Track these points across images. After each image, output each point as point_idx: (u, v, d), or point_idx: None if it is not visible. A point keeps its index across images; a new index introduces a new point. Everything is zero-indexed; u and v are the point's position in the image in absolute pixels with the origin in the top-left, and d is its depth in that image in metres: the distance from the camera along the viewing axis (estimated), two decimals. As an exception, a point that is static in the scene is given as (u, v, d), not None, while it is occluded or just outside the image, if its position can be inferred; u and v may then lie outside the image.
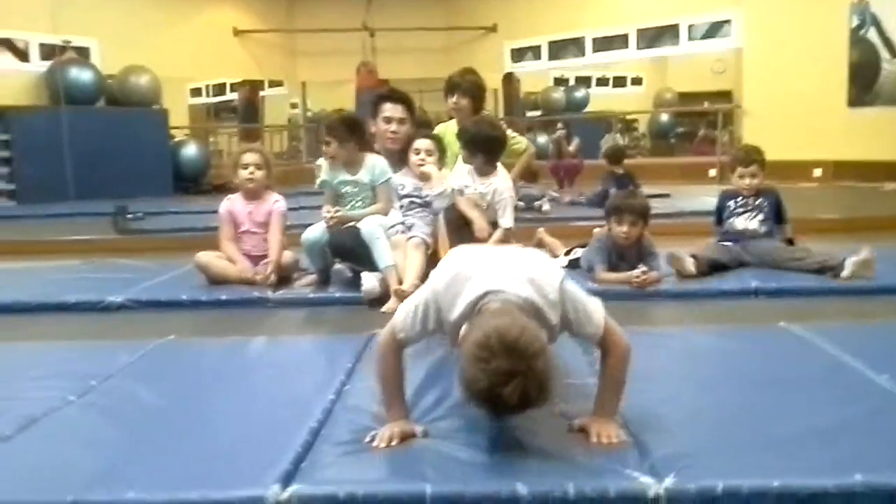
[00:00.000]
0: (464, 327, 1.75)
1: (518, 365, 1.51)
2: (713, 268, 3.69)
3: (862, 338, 2.53)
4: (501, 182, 3.59)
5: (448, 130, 4.21)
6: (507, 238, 3.59)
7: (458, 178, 3.63)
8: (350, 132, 3.63)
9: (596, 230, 3.84)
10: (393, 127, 3.79)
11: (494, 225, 3.59)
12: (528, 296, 1.72)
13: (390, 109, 3.80)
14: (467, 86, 4.28)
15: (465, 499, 1.52)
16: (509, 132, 4.35)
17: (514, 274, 1.76)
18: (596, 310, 1.82)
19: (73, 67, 9.09)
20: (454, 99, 4.27)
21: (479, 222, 3.54)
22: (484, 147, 3.57)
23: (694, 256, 3.65)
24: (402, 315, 1.84)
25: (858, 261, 3.49)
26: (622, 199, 3.66)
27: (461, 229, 3.54)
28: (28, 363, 2.53)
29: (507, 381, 1.50)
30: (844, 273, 3.49)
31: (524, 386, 1.51)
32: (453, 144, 3.91)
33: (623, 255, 3.60)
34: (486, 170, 3.58)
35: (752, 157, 3.97)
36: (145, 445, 1.82)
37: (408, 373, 2.01)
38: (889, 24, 8.73)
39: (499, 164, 3.68)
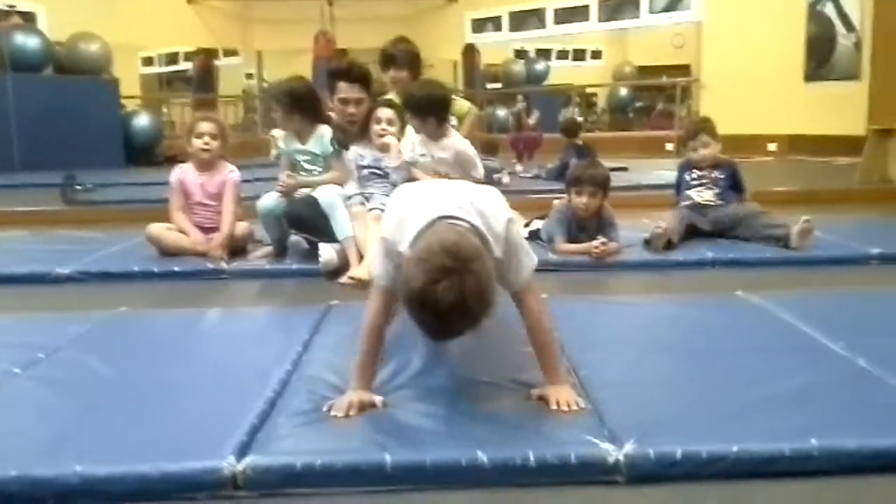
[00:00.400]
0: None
1: (455, 263, 1.53)
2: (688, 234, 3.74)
3: (818, 306, 2.56)
4: (458, 141, 3.50)
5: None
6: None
7: (409, 149, 3.49)
8: (294, 104, 3.55)
9: (556, 202, 3.83)
10: (350, 109, 3.62)
11: None
12: (477, 224, 1.73)
13: (346, 90, 3.61)
14: (403, 56, 4.13)
15: (426, 467, 1.51)
16: (464, 103, 4.29)
17: (463, 203, 1.76)
18: (529, 262, 1.84)
19: (19, 33, 8.77)
20: (391, 72, 4.12)
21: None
22: (434, 108, 3.49)
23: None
24: (375, 263, 1.87)
25: (798, 230, 3.55)
26: (582, 170, 3.64)
27: None
28: (-29, 335, 2.44)
29: (443, 278, 1.51)
30: (792, 244, 3.53)
31: (461, 285, 1.51)
32: None
33: (583, 227, 3.60)
34: (438, 133, 3.49)
35: (697, 127, 4.01)
36: (95, 418, 1.76)
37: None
38: (846, -1, 8.83)
39: (449, 125, 3.60)
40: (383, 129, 3.55)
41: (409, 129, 3.52)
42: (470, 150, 3.43)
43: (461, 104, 4.49)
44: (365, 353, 1.84)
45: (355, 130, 3.63)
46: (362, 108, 3.65)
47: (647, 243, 3.62)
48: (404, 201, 1.86)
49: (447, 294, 1.51)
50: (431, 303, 1.53)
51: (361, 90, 3.64)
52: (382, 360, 1.92)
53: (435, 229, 1.68)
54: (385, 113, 3.58)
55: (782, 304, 2.54)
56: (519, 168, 7.59)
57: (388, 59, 4.11)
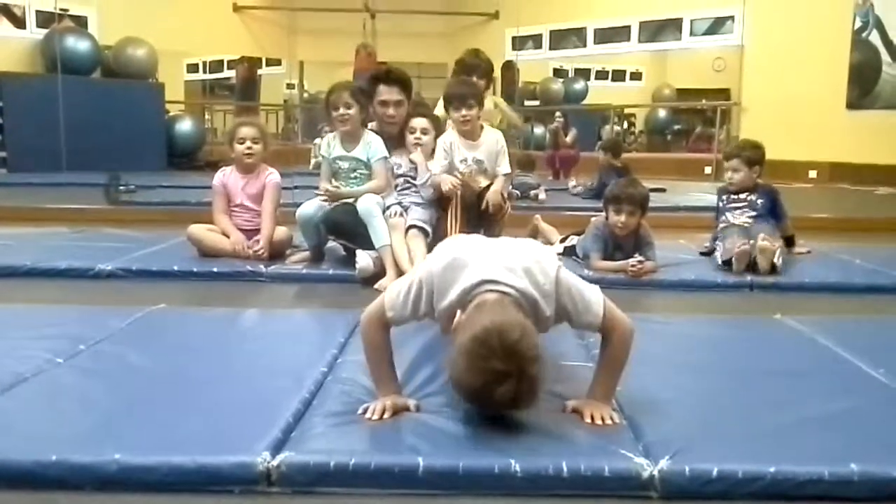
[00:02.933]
0: (458, 315, 1.73)
1: (514, 367, 1.51)
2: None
3: (858, 332, 2.52)
4: (490, 134, 3.48)
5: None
6: (509, 182, 3.56)
7: (438, 161, 3.47)
8: (368, 97, 3.61)
9: (593, 219, 3.82)
10: (390, 111, 3.68)
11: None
12: (524, 287, 1.71)
13: (386, 92, 3.68)
14: (485, 67, 4.27)
15: (458, 473, 1.50)
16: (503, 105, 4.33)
17: (510, 264, 1.74)
18: (594, 297, 1.80)
19: (70, 36, 9.01)
20: (473, 80, 4.20)
21: (446, 179, 3.45)
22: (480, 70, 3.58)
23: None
24: (394, 294, 1.82)
25: (759, 248, 3.48)
26: (622, 189, 3.61)
27: (466, 207, 3.49)
28: (16, 325, 2.49)
29: (502, 382, 1.51)
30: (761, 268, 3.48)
31: (517, 388, 1.52)
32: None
33: (620, 245, 3.59)
34: (467, 129, 3.44)
35: (735, 151, 4.00)
36: (134, 409, 1.79)
37: (402, 349, 2.01)
38: (892, 27, 8.72)
39: (483, 124, 3.59)
40: (417, 139, 3.58)
41: (441, 139, 3.52)
42: (501, 143, 3.43)
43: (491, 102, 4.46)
44: (377, 368, 1.83)
45: (395, 132, 3.67)
46: (402, 110, 3.69)
47: (726, 264, 3.56)
48: (453, 249, 1.83)
49: (503, 397, 1.53)
50: (487, 399, 1.57)
51: (401, 92, 3.70)
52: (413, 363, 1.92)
53: (486, 308, 1.65)
54: (419, 122, 3.61)
55: (822, 329, 2.51)
56: (572, 184, 7.54)
57: (472, 67, 4.23)
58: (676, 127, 15.05)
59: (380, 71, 3.88)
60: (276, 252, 3.73)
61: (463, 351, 1.55)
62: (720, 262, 3.63)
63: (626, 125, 14.17)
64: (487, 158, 3.40)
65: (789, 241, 4.05)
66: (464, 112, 3.29)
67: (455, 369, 1.58)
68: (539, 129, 12.28)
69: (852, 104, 9.03)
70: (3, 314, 2.72)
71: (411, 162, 3.63)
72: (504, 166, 3.47)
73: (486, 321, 1.57)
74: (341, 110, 3.52)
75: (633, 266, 3.42)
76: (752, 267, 3.50)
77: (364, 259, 3.40)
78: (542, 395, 1.63)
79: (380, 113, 3.71)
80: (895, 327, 2.70)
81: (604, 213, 3.63)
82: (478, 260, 1.76)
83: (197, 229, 3.76)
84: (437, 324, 2.15)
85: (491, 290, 1.70)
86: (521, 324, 1.58)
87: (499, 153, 3.40)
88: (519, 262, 1.75)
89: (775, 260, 3.50)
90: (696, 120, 14.22)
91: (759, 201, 3.87)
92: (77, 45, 8.98)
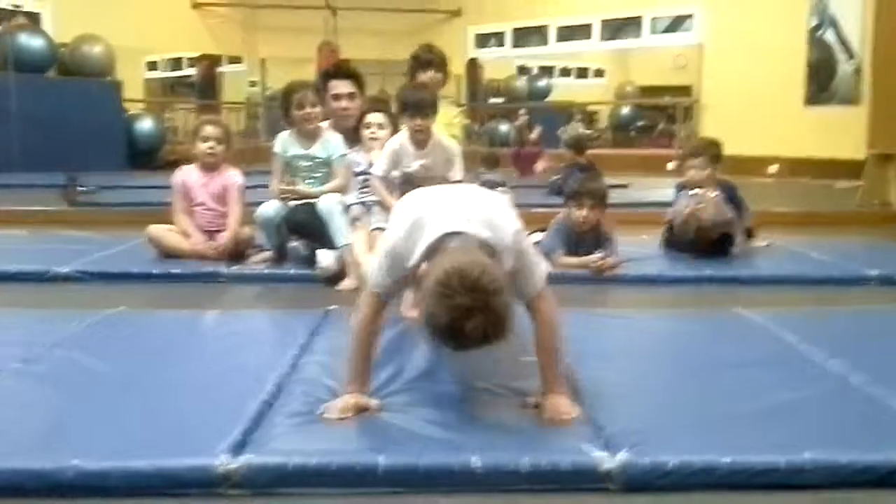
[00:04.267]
0: (423, 265, 1.75)
1: (478, 302, 1.53)
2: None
3: (814, 324, 2.58)
4: (441, 140, 3.34)
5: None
6: None
7: (382, 163, 3.29)
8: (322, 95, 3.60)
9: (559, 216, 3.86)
10: (343, 103, 3.72)
11: None
12: (486, 237, 1.73)
13: (338, 86, 3.72)
14: (440, 61, 4.24)
15: (419, 471, 1.51)
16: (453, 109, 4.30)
17: (471, 215, 1.76)
18: (540, 271, 1.85)
19: (24, 34, 8.80)
20: (430, 73, 4.18)
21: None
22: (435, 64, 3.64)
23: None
24: (374, 271, 1.86)
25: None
26: (581, 184, 3.66)
27: None
28: (-32, 330, 2.44)
29: (468, 317, 1.53)
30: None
31: (484, 321, 1.54)
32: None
33: (581, 241, 3.62)
34: (420, 139, 3.28)
35: (699, 149, 4.03)
36: (92, 413, 1.76)
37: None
38: (846, 26, 8.89)
39: (433, 129, 3.56)
40: (372, 133, 3.56)
41: (391, 141, 3.45)
42: (453, 148, 3.41)
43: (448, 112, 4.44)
44: (357, 358, 1.84)
45: (350, 125, 3.66)
46: (355, 102, 3.72)
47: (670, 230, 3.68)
48: (412, 211, 1.85)
49: (473, 331, 1.55)
50: (458, 337, 1.58)
51: (352, 85, 3.73)
52: (375, 361, 1.92)
53: (448, 253, 1.68)
54: (375, 117, 3.59)
55: (780, 321, 2.55)
56: (540, 167, 7.54)
57: (427, 62, 4.17)
58: (640, 123, 15.16)
59: (330, 67, 3.91)
60: (238, 252, 3.69)
61: (429, 295, 1.58)
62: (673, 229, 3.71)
63: (590, 122, 14.24)
64: (435, 165, 3.38)
65: (749, 234, 4.11)
66: (418, 121, 3.24)
67: (425, 315, 1.60)
68: (504, 127, 12.31)
69: (810, 100, 9.19)
70: (-45, 319, 2.67)
71: (370, 158, 3.61)
72: (454, 173, 3.43)
73: (446, 264, 1.60)
74: (307, 108, 3.50)
75: (594, 262, 3.45)
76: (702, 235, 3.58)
77: (326, 258, 3.38)
78: (512, 328, 1.62)
79: (334, 107, 3.73)
80: (846, 318, 2.76)
81: (565, 210, 3.66)
82: (439, 214, 1.78)
83: (156, 230, 3.71)
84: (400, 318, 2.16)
85: (455, 241, 1.72)
86: (481, 262, 1.60)
87: (449, 159, 3.37)
88: (481, 213, 1.77)
89: (735, 242, 3.59)
90: (659, 117, 14.33)
91: (719, 198, 3.91)
92: (30, 42, 8.77)
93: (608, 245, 3.57)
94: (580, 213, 3.55)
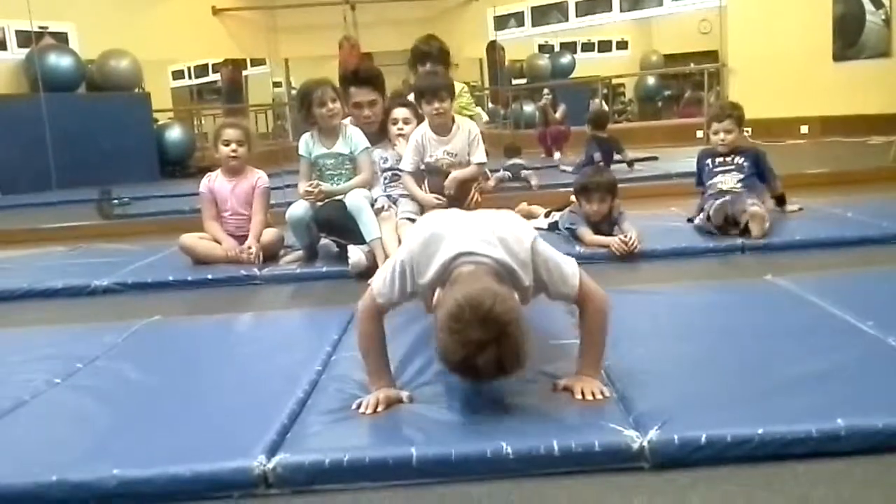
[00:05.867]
0: (437, 291, 1.75)
1: (491, 334, 1.52)
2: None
3: (847, 287, 2.54)
4: (463, 126, 3.42)
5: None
6: (480, 172, 3.54)
7: (409, 157, 3.43)
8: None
9: (573, 197, 3.88)
10: (365, 112, 3.71)
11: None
12: (500, 257, 1.73)
13: (358, 94, 3.70)
14: (438, 53, 4.20)
15: (451, 460, 1.53)
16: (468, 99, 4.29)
17: (486, 235, 1.76)
18: (570, 269, 1.82)
19: (52, 53, 8.97)
20: (428, 66, 4.18)
21: (425, 199, 3.44)
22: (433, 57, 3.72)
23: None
24: (380, 279, 1.86)
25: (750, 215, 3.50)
26: (588, 178, 3.67)
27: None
28: (13, 348, 2.51)
29: (481, 351, 1.53)
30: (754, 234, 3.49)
31: (498, 354, 1.54)
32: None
33: (598, 227, 3.63)
34: (441, 122, 3.39)
35: (725, 111, 3.93)
36: (131, 423, 1.81)
37: (394, 341, 2.03)
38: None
39: (455, 115, 3.53)
40: (400, 129, 3.58)
41: (414, 134, 3.47)
42: (475, 133, 3.40)
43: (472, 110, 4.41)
44: (370, 358, 1.86)
45: (374, 130, 3.67)
46: (377, 108, 3.70)
47: (708, 220, 3.58)
48: (430, 226, 1.85)
49: (487, 365, 1.55)
50: (472, 372, 1.58)
51: (372, 91, 3.70)
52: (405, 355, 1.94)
53: (460, 281, 1.67)
54: (401, 112, 3.60)
55: (811, 287, 2.52)
56: (558, 156, 7.55)
57: (424, 55, 4.17)
58: (666, 93, 14.98)
59: (348, 73, 3.88)
60: (269, 254, 3.74)
61: (442, 328, 1.58)
62: (704, 221, 3.64)
63: (614, 96, 14.10)
64: (461, 151, 3.38)
65: (780, 201, 4.05)
66: (436, 105, 3.25)
67: (439, 347, 1.61)
68: (528, 107, 12.24)
69: (838, 56, 8.98)
70: (1, 338, 2.76)
71: (397, 154, 3.63)
72: (478, 156, 3.43)
73: (458, 295, 1.58)
74: (329, 105, 3.51)
75: (617, 245, 3.43)
76: (743, 231, 3.51)
77: (356, 254, 3.42)
78: (529, 358, 1.62)
79: (356, 116, 3.71)
80: (883, 279, 2.71)
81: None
82: (454, 234, 1.78)
83: (188, 238, 3.78)
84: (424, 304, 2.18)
85: (468, 262, 1.72)
86: (492, 291, 1.59)
87: (472, 143, 3.37)
88: (495, 233, 1.77)
89: (765, 225, 3.50)
90: (686, 85, 14.14)
91: (746, 163, 3.84)
92: (59, 61, 8.94)
93: (621, 220, 3.59)
94: (591, 207, 3.58)
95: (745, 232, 3.51)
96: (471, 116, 4.15)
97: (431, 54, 4.12)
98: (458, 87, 4.14)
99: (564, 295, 1.82)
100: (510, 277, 1.74)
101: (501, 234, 1.77)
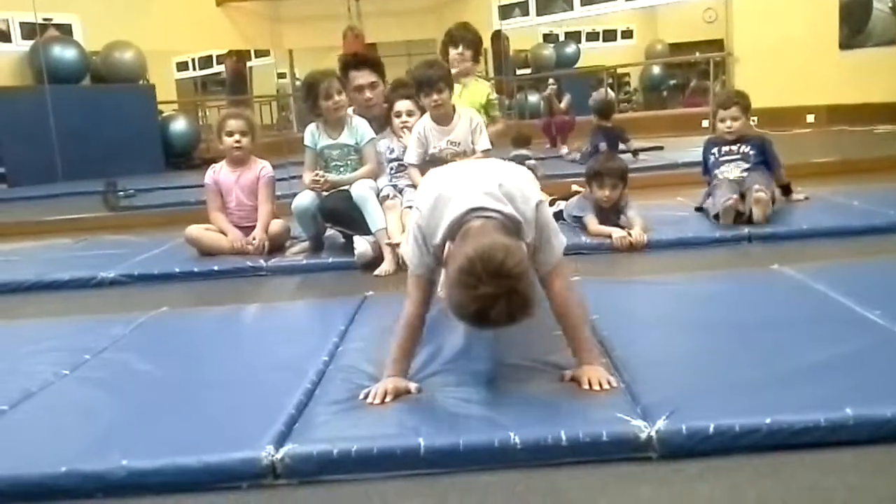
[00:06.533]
0: (447, 245, 1.77)
1: (503, 288, 1.54)
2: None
3: (854, 276, 2.53)
4: (464, 115, 3.36)
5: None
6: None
7: (413, 150, 3.35)
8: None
9: (574, 187, 3.88)
10: (366, 94, 3.71)
11: None
12: (509, 212, 1.75)
13: (358, 77, 3.71)
14: (471, 37, 4.24)
15: (459, 450, 1.53)
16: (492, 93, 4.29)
17: (492, 189, 1.78)
18: (559, 242, 1.87)
19: (56, 45, 8.97)
20: (459, 50, 4.18)
21: None
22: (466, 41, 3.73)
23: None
24: (409, 254, 1.89)
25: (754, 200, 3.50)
26: (601, 164, 3.68)
27: None
28: (21, 340, 2.52)
29: (494, 304, 1.54)
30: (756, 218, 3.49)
31: (509, 305, 1.55)
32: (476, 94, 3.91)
33: (605, 219, 3.62)
34: (441, 113, 3.31)
35: (731, 99, 3.93)
36: (140, 414, 1.82)
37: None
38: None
39: (456, 105, 3.46)
40: (404, 122, 3.57)
41: (416, 126, 3.44)
42: (476, 120, 3.39)
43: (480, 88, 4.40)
44: (402, 341, 1.86)
45: (377, 114, 3.67)
46: (378, 91, 3.73)
47: (716, 218, 3.57)
48: (435, 187, 1.88)
49: (499, 316, 1.56)
50: (485, 322, 1.60)
51: (372, 73, 3.72)
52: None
53: (470, 235, 1.69)
54: (404, 105, 3.59)
55: (818, 276, 2.51)
56: (564, 151, 7.55)
57: (458, 38, 4.19)
58: (672, 82, 14.94)
59: (347, 58, 3.89)
60: (276, 245, 3.75)
61: (452, 283, 1.59)
62: (711, 216, 3.63)
63: (619, 85, 14.05)
64: (464, 140, 3.37)
65: (786, 190, 4.03)
66: (435, 97, 3.23)
67: (450, 301, 1.62)
68: (533, 97, 12.20)
69: (844, 44, 8.93)
70: (9, 331, 2.77)
71: (402, 145, 3.62)
72: (482, 143, 3.41)
73: (469, 250, 1.60)
74: (336, 97, 3.51)
75: (618, 239, 3.42)
76: (747, 219, 3.51)
77: (362, 245, 3.42)
78: (538, 306, 1.64)
79: (357, 99, 3.72)
80: (891, 268, 2.70)
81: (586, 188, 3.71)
82: (460, 190, 1.79)
83: (194, 230, 3.78)
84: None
85: (477, 217, 1.73)
86: (503, 244, 1.60)
87: (474, 132, 3.36)
88: (501, 189, 1.79)
89: (768, 210, 3.51)
90: (691, 74, 14.09)
91: (752, 152, 3.83)
92: (64, 53, 8.94)
93: (628, 209, 3.59)
94: (602, 193, 3.58)
95: (749, 219, 3.50)
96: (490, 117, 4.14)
97: (464, 39, 4.16)
98: (483, 89, 4.15)
99: (542, 263, 1.84)
100: (517, 231, 1.75)
101: (509, 190, 1.79)
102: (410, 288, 1.89)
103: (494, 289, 1.53)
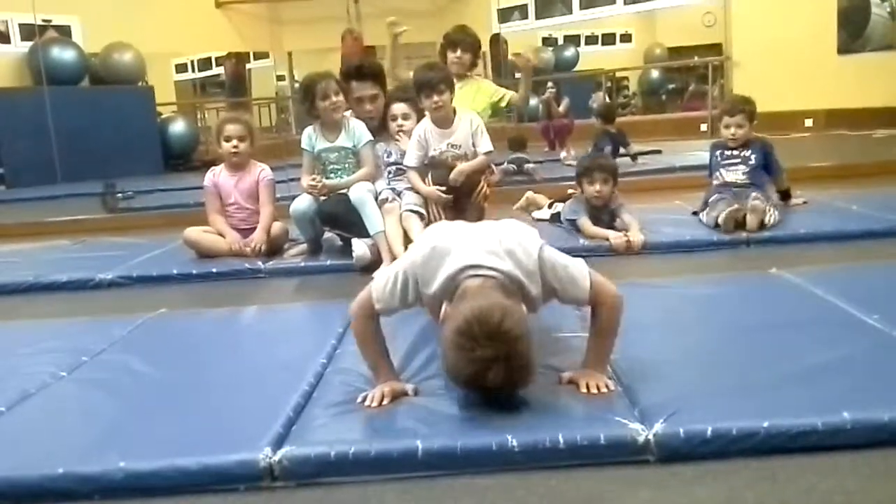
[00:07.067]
0: (444, 305, 1.75)
1: (500, 351, 1.52)
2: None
3: (852, 280, 2.54)
4: (464, 118, 3.38)
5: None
6: (488, 162, 3.54)
7: (413, 153, 3.39)
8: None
9: (570, 191, 3.89)
10: (367, 106, 3.71)
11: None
12: (508, 269, 1.73)
13: (359, 89, 3.70)
14: (470, 41, 4.27)
15: (457, 453, 1.53)
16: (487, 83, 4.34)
17: (492, 247, 1.75)
18: (580, 272, 1.79)
19: (55, 47, 8.96)
20: (457, 53, 4.21)
21: (430, 193, 3.41)
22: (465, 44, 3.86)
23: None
24: (381, 285, 1.83)
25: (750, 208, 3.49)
26: (591, 161, 3.74)
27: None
28: (20, 341, 2.52)
29: (491, 367, 1.53)
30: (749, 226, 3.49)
31: (507, 369, 1.54)
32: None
33: (598, 219, 3.63)
34: (442, 115, 3.34)
35: (738, 106, 3.94)
36: (137, 416, 1.82)
37: (397, 335, 2.03)
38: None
39: (454, 104, 3.46)
40: (399, 125, 3.57)
41: (416, 129, 3.44)
42: (477, 123, 3.40)
43: (503, 96, 4.42)
44: (369, 355, 1.85)
45: (375, 126, 3.67)
46: (378, 103, 3.72)
47: (716, 226, 3.56)
48: (434, 237, 1.85)
49: (497, 379, 1.55)
50: (481, 386, 1.59)
51: (374, 86, 3.71)
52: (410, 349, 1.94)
53: (467, 296, 1.66)
54: (399, 108, 3.59)
55: (816, 280, 2.52)
56: (563, 154, 7.56)
57: (456, 41, 4.27)
58: (671, 86, 14.95)
59: (350, 67, 3.88)
60: (274, 247, 3.75)
61: (449, 345, 1.58)
62: (712, 226, 3.63)
63: (617, 89, 14.07)
64: (464, 142, 3.37)
65: (785, 195, 4.04)
66: (435, 98, 3.24)
67: (446, 363, 1.61)
68: (532, 101, 12.20)
69: (843, 49, 8.94)
70: (7, 332, 2.77)
71: (401, 148, 3.63)
72: (483, 145, 3.41)
73: (466, 311, 1.57)
74: (333, 98, 3.51)
75: (616, 240, 3.43)
76: (741, 225, 3.51)
77: (360, 248, 3.42)
78: (538, 370, 1.65)
79: (357, 111, 3.71)
80: (889, 272, 2.70)
81: (578, 188, 3.72)
82: (459, 246, 1.77)
83: (193, 232, 3.78)
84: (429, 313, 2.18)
85: (474, 276, 1.72)
86: (500, 306, 1.58)
87: (475, 134, 3.36)
88: (501, 245, 1.76)
89: (766, 219, 3.51)
90: (690, 78, 14.10)
91: (753, 156, 3.85)
92: (62, 54, 8.94)
93: (622, 211, 3.60)
94: (593, 188, 3.59)
95: (743, 226, 3.52)
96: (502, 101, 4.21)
97: (463, 42, 4.20)
98: (487, 86, 4.31)
99: (576, 298, 1.81)
100: (518, 289, 1.73)
101: (508, 246, 1.76)
102: (359, 307, 1.83)
103: (492, 351, 1.51)
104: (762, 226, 3.50)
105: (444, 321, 1.71)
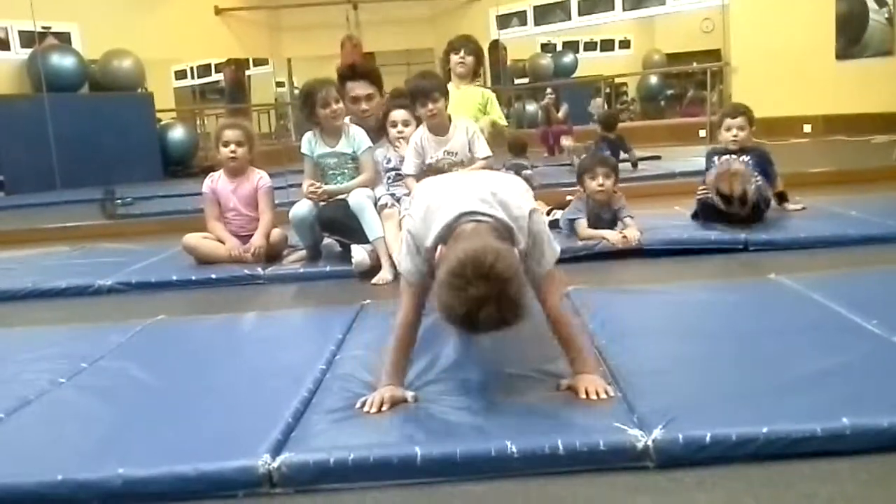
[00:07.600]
0: (439, 248, 1.77)
1: (493, 290, 1.54)
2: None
3: (851, 286, 2.53)
4: (460, 125, 3.37)
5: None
6: (488, 167, 3.54)
7: (410, 160, 3.38)
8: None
9: (568, 197, 3.91)
10: (363, 106, 3.73)
11: None
12: (501, 216, 1.75)
13: (356, 88, 3.72)
14: (473, 46, 4.30)
15: (456, 459, 1.53)
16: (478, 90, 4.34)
17: (485, 196, 1.78)
18: (551, 252, 1.86)
19: (55, 54, 8.97)
20: (461, 55, 4.23)
21: None
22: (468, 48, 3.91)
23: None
24: (401, 259, 1.89)
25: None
26: (591, 158, 3.83)
27: None
28: (18, 348, 2.52)
29: (483, 307, 1.54)
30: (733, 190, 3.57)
31: (499, 309, 1.55)
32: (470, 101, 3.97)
33: (600, 217, 3.64)
34: (437, 123, 3.33)
35: (739, 109, 3.99)
36: (136, 422, 1.82)
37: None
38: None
39: (449, 112, 3.44)
40: (399, 132, 3.57)
41: (413, 137, 3.43)
42: (472, 128, 3.41)
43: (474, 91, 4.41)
44: (396, 349, 1.87)
45: (373, 125, 3.68)
46: (374, 102, 3.73)
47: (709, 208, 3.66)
48: (427, 195, 1.89)
49: (488, 319, 1.56)
50: (473, 325, 1.59)
51: (370, 85, 3.73)
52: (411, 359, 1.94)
53: (461, 238, 1.70)
54: (399, 115, 3.59)
55: (815, 286, 2.52)
56: (566, 143, 7.59)
57: (460, 45, 4.31)
58: (669, 92, 14.95)
59: (345, 68, 3.90)
60: (273, 253, 3.75)
61: (442, 284, 1.59)
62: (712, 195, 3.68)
63: (616, 95, 14.08)
64: (461, 149, 3.38)
65: (781, 197, 4.05)
66: (430, 106, 3.24)
67: (439, 302, 1.62)
68: (531, 107, 12.23)
69: (841, 54, 8.96)
70: (6, 338, 2.76)
71: (400, 154, 3.62)
72: (481, 151, 3.41)
73: (460, 252, 1.60)
74: (333, 106, 3.52)
75: (615, 237, 3.47)
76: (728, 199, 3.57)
77: (360, 253, 3.42)
78: (528, 312, 1.63)
79: (353, 110, 3.73)
80: (888, 278, 2.70)
81: (580, 189, 3.73)
82: (453, 197, 1.80)
83: (192, 238, 3.78)
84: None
85: (469, 221, 1.74)
86: (494, 248, 1.60)
87: (472, 141, 3.37)
88: (496, 196, 1.79)
89: (748, 186, 3.55)
90: (689, 84, 14.12)
91: (750, 162, 3.86)
92: (62, 61, 8.94)
93: (623, 212, 3.61)
94: (595, 183, 3.60)
95: (742, 203, 3.56)
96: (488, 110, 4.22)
97: (466, 46, 4.24)
98: (478, 91, 4.24)
99: (535, 273, 1.83)
100: (509, 236, 1.76)
101: (502, 198, 1.79)
102: (403, 296, 1.89)
103: (484, 291, 1.53)
104: (745, 196, 3.55)
105: (438, 263, 1.73)
